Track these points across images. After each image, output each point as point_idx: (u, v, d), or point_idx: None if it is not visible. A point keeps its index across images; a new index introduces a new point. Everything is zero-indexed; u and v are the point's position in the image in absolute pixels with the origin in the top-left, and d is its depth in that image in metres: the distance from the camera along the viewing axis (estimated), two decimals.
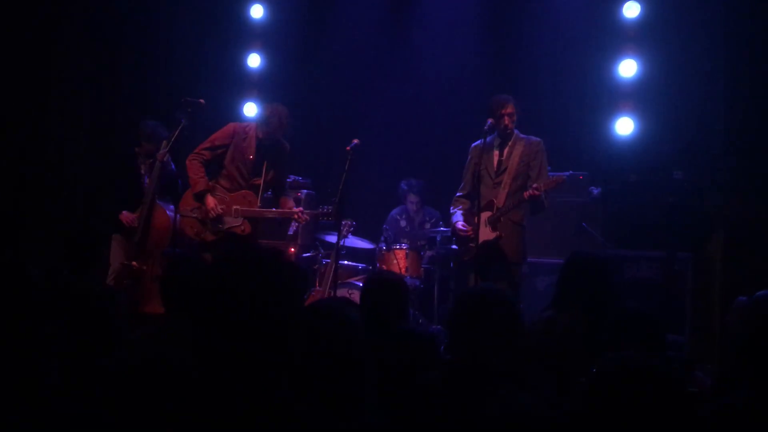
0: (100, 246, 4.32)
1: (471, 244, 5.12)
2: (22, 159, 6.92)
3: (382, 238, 6.54)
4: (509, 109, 5.14)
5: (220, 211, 5.40)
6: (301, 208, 5.66)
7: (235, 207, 5.46)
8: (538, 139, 5.26)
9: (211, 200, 5.39)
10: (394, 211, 7.20)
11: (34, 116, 6.96)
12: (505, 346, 2.23)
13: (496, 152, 5.21)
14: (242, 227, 5.47)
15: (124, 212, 5.48)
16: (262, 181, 5.55)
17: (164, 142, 5.45)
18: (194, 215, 5.45)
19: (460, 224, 5.24)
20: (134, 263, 5.38)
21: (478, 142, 5.29)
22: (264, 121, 5.51)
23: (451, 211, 5.45)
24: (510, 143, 5.22)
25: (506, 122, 5.14)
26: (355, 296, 5.84)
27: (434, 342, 3.31)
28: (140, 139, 5.67)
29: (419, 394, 2.28)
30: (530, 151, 5.19)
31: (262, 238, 6.11)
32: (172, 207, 5.58)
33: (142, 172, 5.69)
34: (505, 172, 5.16)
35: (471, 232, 5.10)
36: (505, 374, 2.20)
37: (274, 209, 5.66)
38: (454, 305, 2.45)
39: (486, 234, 5.05)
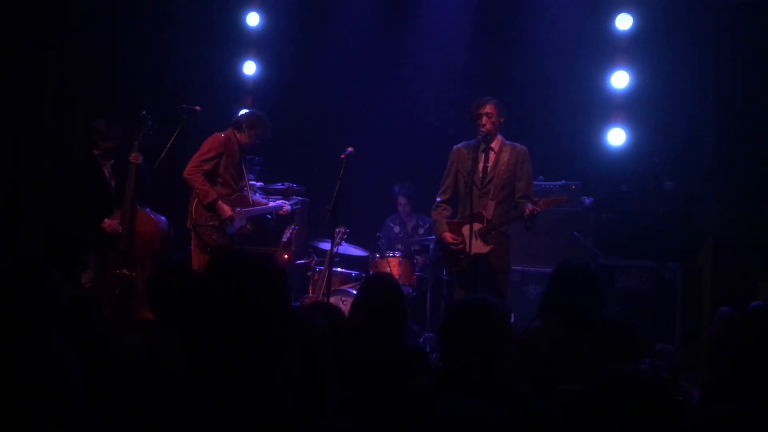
0: (82, 251, 4.31)
1: (461, 256, 5.12)
2: (14, 163, 6.92)
3: (380, 243, 6.60)
4: (487, 109, 5.09)
5: (235, 217, 5.70)
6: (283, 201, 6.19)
7: (237, 209, 5.75)
8: (524, 147, 5.24)
9: (227, 209, 5.64)
10: (389, 219, 7.26)
11: (28, 121, 6.96)
12: (494, 356, 2.27)
13: (482, 159, 5.14)
14: (247, 225, 5.85)
15: (106, 221, 5.43)
16: (246, 183, 5.97)
17: (135, 143, 5.45)
18: (211, 223, 5.63)
19: (450, 238, 5.17)
20: (124, 271, 5.37)
21: (460, 144, 5.30)
22: (248, 126, 5.77)
23: (434, 218, 5.41)
24: (496, 149, 5.17)
25: (483, 122, 5.08)
26: (348, 303, 5.87)
27: (425, 354, 3.33)
28: (96, 139, 5.58)
29: (411, 401, 2.31)
30: (517, 159, 5.15)
31: (256, 245, 6.18)
32: (147, 209, 5.60)
33: (107, 175, 5.66)
34: (491, 182, 5.12)
35: (461, 245, 5.12)
36: (493, 383, 2.23)
37: (269, 204, 6.10)
38: (444, 315, 2.48)
39: (478, 247, 5.02)
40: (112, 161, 5.63)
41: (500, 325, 2.31)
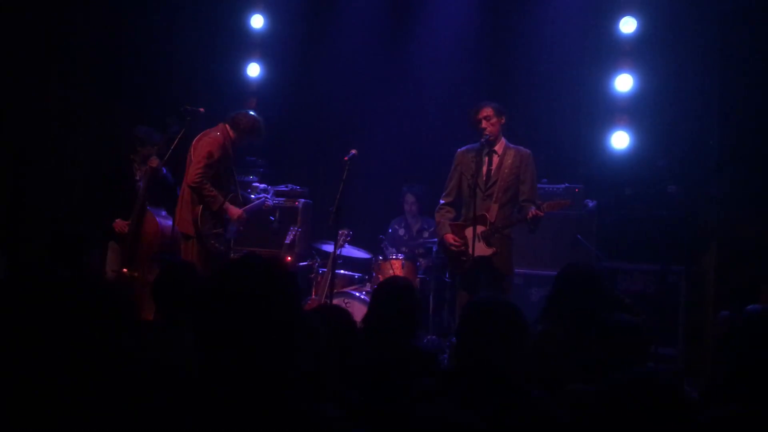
0: (83, 248, 4.36)
1: (463, 258, 5.12)
2: (21, 164, 6.94)
3: (383, 246, 6.62)
4: (485, 113, 5.12)
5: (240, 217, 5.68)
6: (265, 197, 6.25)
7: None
8: (528, 150, 5.26)
9: (234, 210, 5.62)
10: (394, 221, 7.26)
11: (34, 122, 6.99)
12: (512, 354, 2.26)
13: (485, 162, 5.17)
14: (240, 228, 5.79)
15: (117, 220, 5.56)
16: (235, 181, 5.90)
17: (155, 148, 5.59)
18: (215, 231, 5.60)
19: (451, 239, 5.19)
20: (124, 270, 5.43)
21: (464, 147, 5.32)
22: (245, 130, 5.70)
23: (437, 220, 5.42)
24: (499, 153, 5.19)
25: (484, 125, 5.10)
26: (351, 306, 5.88)
27: (434, 358, 3.36)
28: (135, 144, 5.76)
29: (416, 400, 2.32)
30: (520, 162, 5.17)
31: (259, 247, 6.20)
32: (164, 213, 5.65)
33: (138, 178, 5.76)
34: (495, 185, 5.14)
35: (462, 247, 5.11)
36: (511, 381, 2.23)
37: (254, 201, 6.09)
38: (464, 312, 2.47)
39: (481, 249, 5.03)
40: (146, 166, 5.71)
41: (521, 326, 2.31)
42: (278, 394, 1.54)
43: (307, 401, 1.59)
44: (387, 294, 3.31)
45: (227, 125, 5.68)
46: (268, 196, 6.19)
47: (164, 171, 5.67)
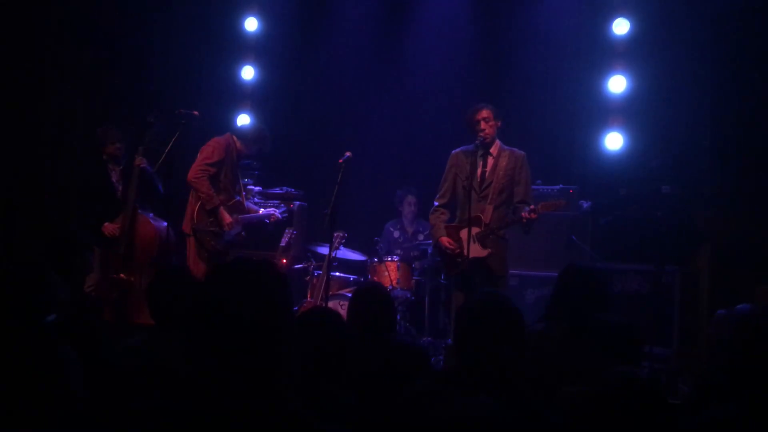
0: (82, 254, 4.37)
1: (458, 260, 5.12)
2: (14, 166, 6.93)
3: (378, 248, 6.62)
4: (484, 114, 5.12)
5: (234, 224, 5.75)
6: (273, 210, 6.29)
7: (234, 215, 5.80)
8: (522, 152, 5.26)
9: (227, 216, 5.71)
10: (389, 224, 7.25)
11: (28, 127, 6.97)
12: (510, 352, 2.26)
13: (480, 164, 5.18)
14: (242, 233, 5.90)
15: (106, 224, 5.54)
16: (241, 188, 6.04)
17: (139, 148, 5.59)
18: (212, 229, 5.66)
19: (447, 242, 5.20)
20: (122, 275, 5.42)
21: (458, 149, 5.32)
22: (252, 139, 5.88)
23: (432, 222, 5.42)
24: (494, 154, 5.20)
25: (482, 126, 5.11)
26: (346, 308, 5.87)
27: (425, 354, 3.36)
28: (98, 145, 5.77)
29: (408, 403, 2.31)
30: (515, 164, 5.18)
31: (255, 250, 6.21)
32: (151, 215, 5.68)
33: (114, 180, 5.74)
34: (490, 186, 5.15)
35: (458, 249, 5.12)
36: (506, 381, 2.22)
37: (260, 212, 6.19)
38: (462, 309, 2.46)
39: (476, 251, 5.03)
40: (121, 167, 5.71)
41: (515, 321, 2.31)
42: (265, 397, 1.54)
43: (291, 401, 1.58)
44: (360, 301, 3.37)
45: (234, 136, 5.88)
46: (278, 211, 6.22)
47: (150, 170, 5.66)
